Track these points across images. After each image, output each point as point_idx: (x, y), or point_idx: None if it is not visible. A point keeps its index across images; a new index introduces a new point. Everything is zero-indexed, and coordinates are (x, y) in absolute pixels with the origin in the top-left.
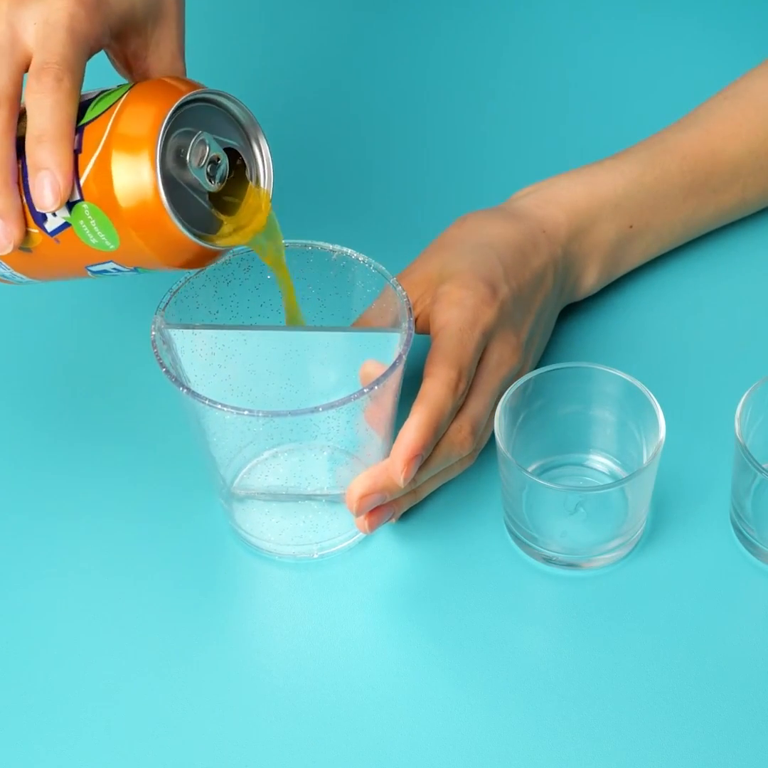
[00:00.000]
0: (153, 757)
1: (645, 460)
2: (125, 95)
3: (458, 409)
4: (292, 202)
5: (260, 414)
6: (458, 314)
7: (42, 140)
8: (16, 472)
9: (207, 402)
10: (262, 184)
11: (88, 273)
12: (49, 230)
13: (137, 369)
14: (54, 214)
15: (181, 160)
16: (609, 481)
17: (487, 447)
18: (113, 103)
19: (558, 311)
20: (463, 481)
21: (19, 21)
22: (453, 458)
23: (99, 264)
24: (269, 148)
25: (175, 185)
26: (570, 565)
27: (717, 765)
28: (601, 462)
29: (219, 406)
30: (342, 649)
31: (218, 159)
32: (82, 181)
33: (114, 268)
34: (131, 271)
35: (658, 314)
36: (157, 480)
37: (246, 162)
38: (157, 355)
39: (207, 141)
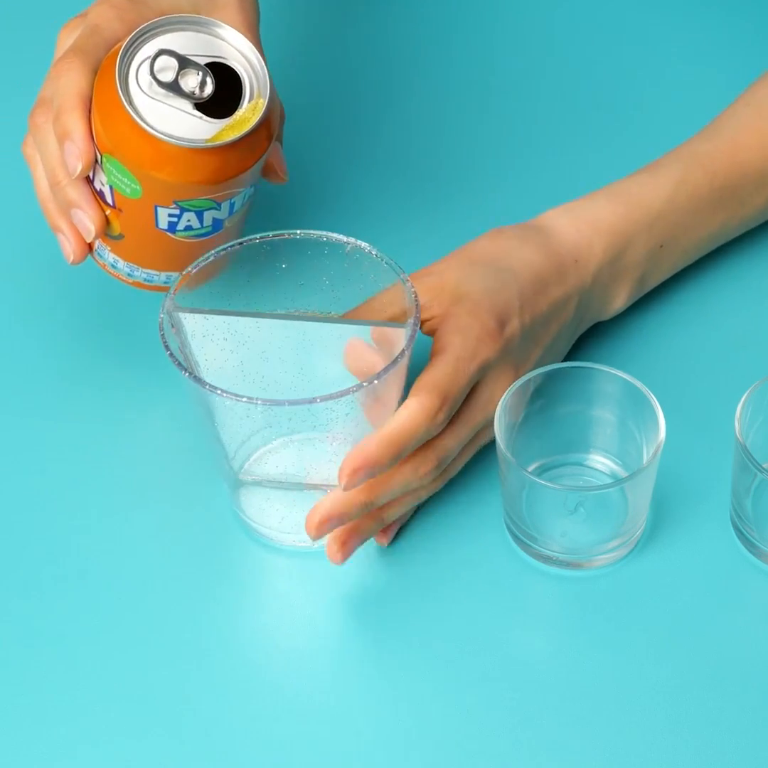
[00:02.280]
0: (149, 739)
1: (645, 460)
2: None
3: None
4: (310, 196)
5: (259, 401)
6: (460, 343)
7: (59, 115)
8: (20, 457)
9: (208, 387)
10: (250, 87)
11: (170, 237)
12: (109, 202)
13: (147, 352)
14: (102, 184)
15: (152, 78)
16: (609, 481)
17: (487, 447)
18: None
19: (576, 337)
20: (462, 481)
21: (69, 38)
22: (412, 485)
23: (157, 218)
24: (257, 54)
25: (153, 102)
26: (570, 565)
27: (717, 765)
28: (601, 462)
29: (219, 392)
30: (338, 644)
31: (193, 70)
32: (96, 141)
33: (171, 215)
34: (188, 213)
35: (658, 314)
36: (163, 462)
37: (237, 71)
38: (162, 339)
39: (172, 55)
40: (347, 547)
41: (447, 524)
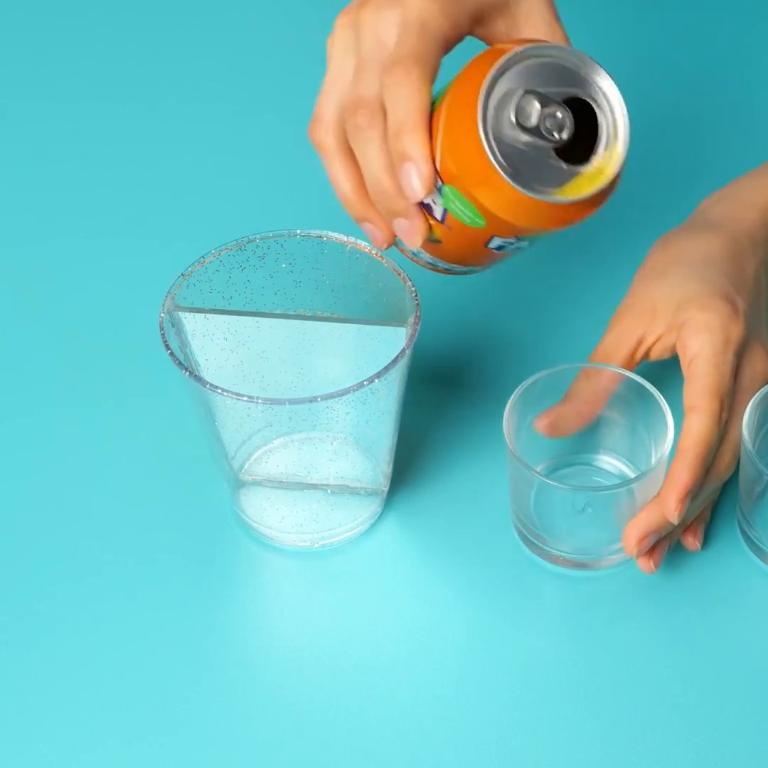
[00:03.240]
0: (148, 739)
1: (653, 461)
2: (456, 76)
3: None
4: (310, 196)
5: (259, 401)
6: (709, 339)
7: (400, 133)
8: (20, 457)
9: (208, 386)
10: (608, 130)
11: (493, 252)
12: (437, 218)
13: (147, 352)
14: (434, 202)
15: (514, 121)
16: (617, 481)
17: (496, 446)
18: (446, 87)
19: None
20: (470, 481)
21: (383, 27)
22: (718, 485)
23: (490, 241)
24: (617, 90)
25: (512, 147)
26: (578, 566)
27: (719, 766)
28: (609, 462)
29: (219, 391)
30: (339, 645)
31: (556, 112)
32: (438, 166)
33: (506, 242)
34: (523, 242)
35: None
36: (164, 462)
37: (595, 110)
38: (163, 338)
39: (535, 96)
40: (659, 553)
41: (454, 525)
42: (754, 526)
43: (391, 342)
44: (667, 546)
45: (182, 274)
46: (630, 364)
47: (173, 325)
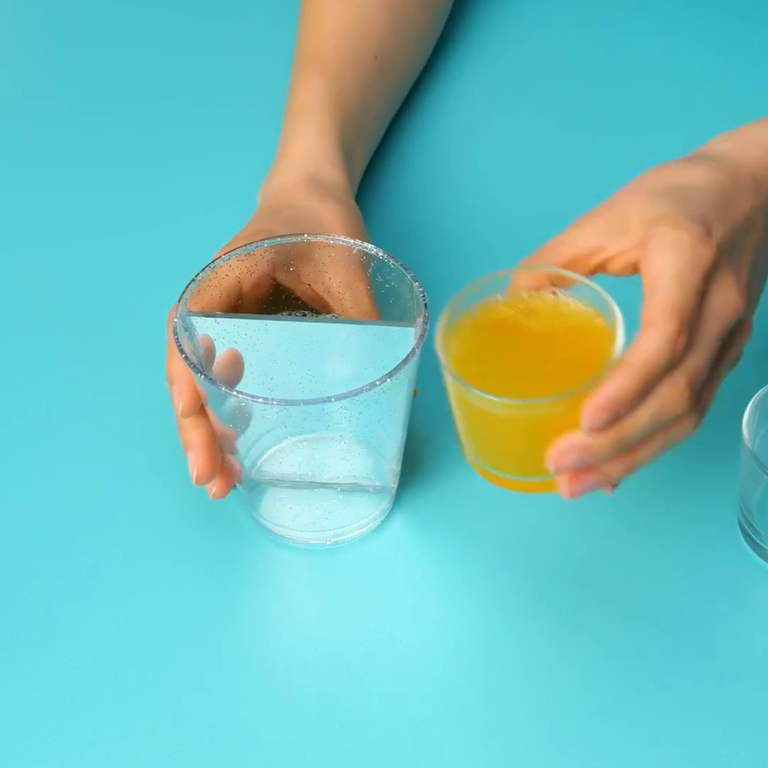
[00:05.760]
0: (161, 734)
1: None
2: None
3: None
4: None
5: (274, 402)
6: (675, 257)
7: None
8: (24, 458)
9: (223, 389)
10: None
11: None
12: None
13: (156, 355)
14: None
15: None
16: None
17: None
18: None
19: None
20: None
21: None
22: (665, 417)
23: None
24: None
25: None
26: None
27: (724, 765)
28: None
29: (235, 394)
30: (352, 638)
31: None
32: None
33: None
34: None
35: None
36: (177, 462)
37: None
38: (177, 342)
39: None
40: (581, 481)
41: (462, 519)
42: (754, 526)
43: (401, 342)
44: (593, 481)
45: (194, 279)
46: (584, 268)
47: (185, 330)
